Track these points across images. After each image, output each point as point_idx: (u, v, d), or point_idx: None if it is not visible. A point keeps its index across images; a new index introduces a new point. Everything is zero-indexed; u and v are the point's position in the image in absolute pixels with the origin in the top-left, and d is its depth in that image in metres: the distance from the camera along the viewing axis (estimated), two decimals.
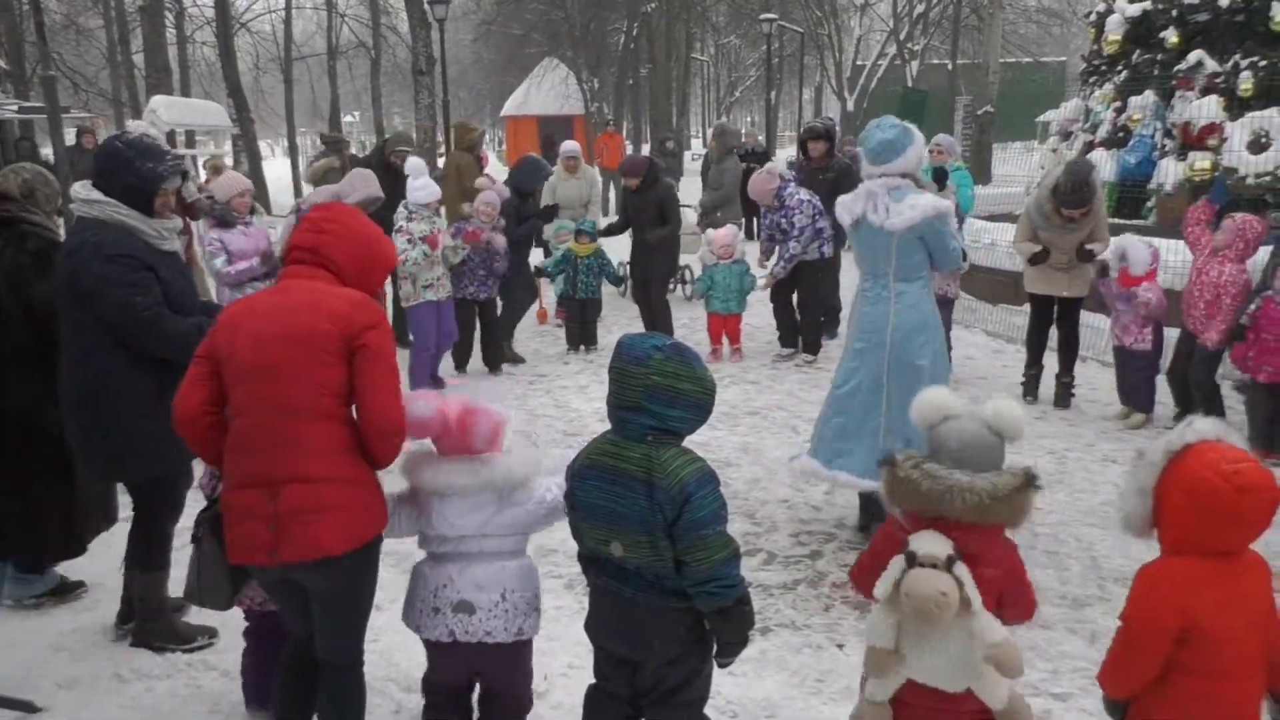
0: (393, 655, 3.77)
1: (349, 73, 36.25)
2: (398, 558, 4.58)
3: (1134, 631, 2.30)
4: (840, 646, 3.82)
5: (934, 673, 2.39)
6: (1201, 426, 2.28)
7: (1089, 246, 6.46)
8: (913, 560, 2.34)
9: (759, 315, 9.66)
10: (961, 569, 2.33)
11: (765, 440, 6.29)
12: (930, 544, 2.35)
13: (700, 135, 50.93)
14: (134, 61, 26.39)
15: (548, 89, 37.13)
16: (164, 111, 15.91)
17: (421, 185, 7.15)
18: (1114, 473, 5.59)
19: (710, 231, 8.74)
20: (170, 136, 16.39)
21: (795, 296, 8.34)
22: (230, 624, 3.91)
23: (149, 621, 3.80)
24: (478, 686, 3.10)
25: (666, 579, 2.52)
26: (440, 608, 2.85)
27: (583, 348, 8.65)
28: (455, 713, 3.08)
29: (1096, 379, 7.39)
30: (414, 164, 7.61)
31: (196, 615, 3.98)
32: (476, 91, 56.78)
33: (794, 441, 6.26)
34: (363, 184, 7.29)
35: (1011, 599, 2.47)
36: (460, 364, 7.94)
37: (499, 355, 8.07)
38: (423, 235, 7.02)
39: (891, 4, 33.51)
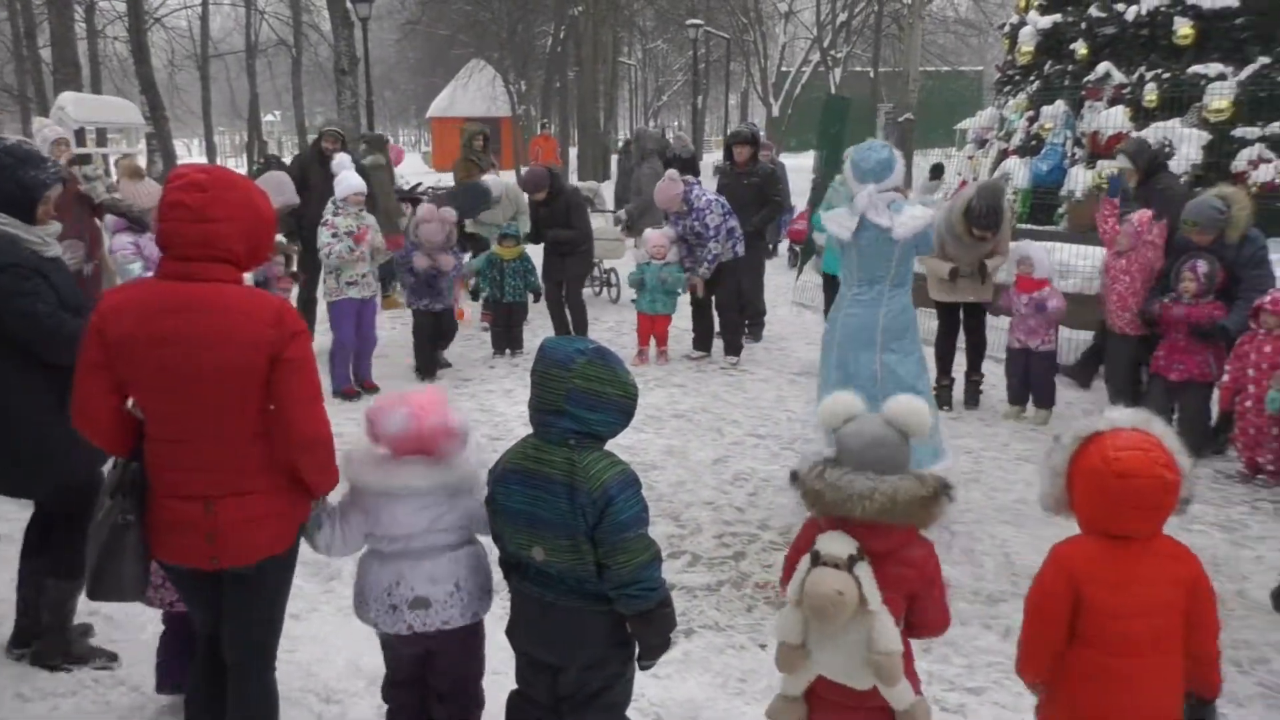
0: (311, 667, 3.70)
1: (269, 71, 35.54)
2: (316, 566, 4.50)
3: (1031, 601, 2.43)
4: (763, 646, 3.86)
5: (839, 669, 2.43)
6: (1115, 415, 2.38)
7: (988, 262, 6.67)
8: (816, 559, 2.38)
9: (687, 319, 9.73)
10: (863, 568, 2.36)
11: (690, 443, 6.33)
12: (833, 544, 2.39)
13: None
14: (40, 56, 25.48)
15: (474, 90, 36.90)
16: (72, 109, 15.35)
17: (344, 179, 7.08)
18: (1027, 471, 5.74)
19: (648, 231, 8.76)
20: (80, 135, 15.85)
21: (714, 299, 8.39)
22: (135, 642, 3.79)
23: (54, 634, 3.67)
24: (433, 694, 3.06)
25: (588, 583, 2.52)
26: (397, 605, 2.82)
27: (508, 351, 8.60)
28: (416, 717, 3.05)
29: (998, 375, 7.59)
30: (340, 159, 7.53)
31: (100, 639, 3.86)
32: (402, 92, 56.12)
33: (719, 444, 6.32)
34: (276, 189, 7.16)
35: (922, 604, 2.48)
36: (420, 370, 7.92)
37: (436, 362, 8.05)
38: (349, 230, 6.96)
39: (815, 12, 34.04)
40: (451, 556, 2.88)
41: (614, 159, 24.11)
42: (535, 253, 8.68)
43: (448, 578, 2.84)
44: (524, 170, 9.78)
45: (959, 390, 7.14)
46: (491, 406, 7.12)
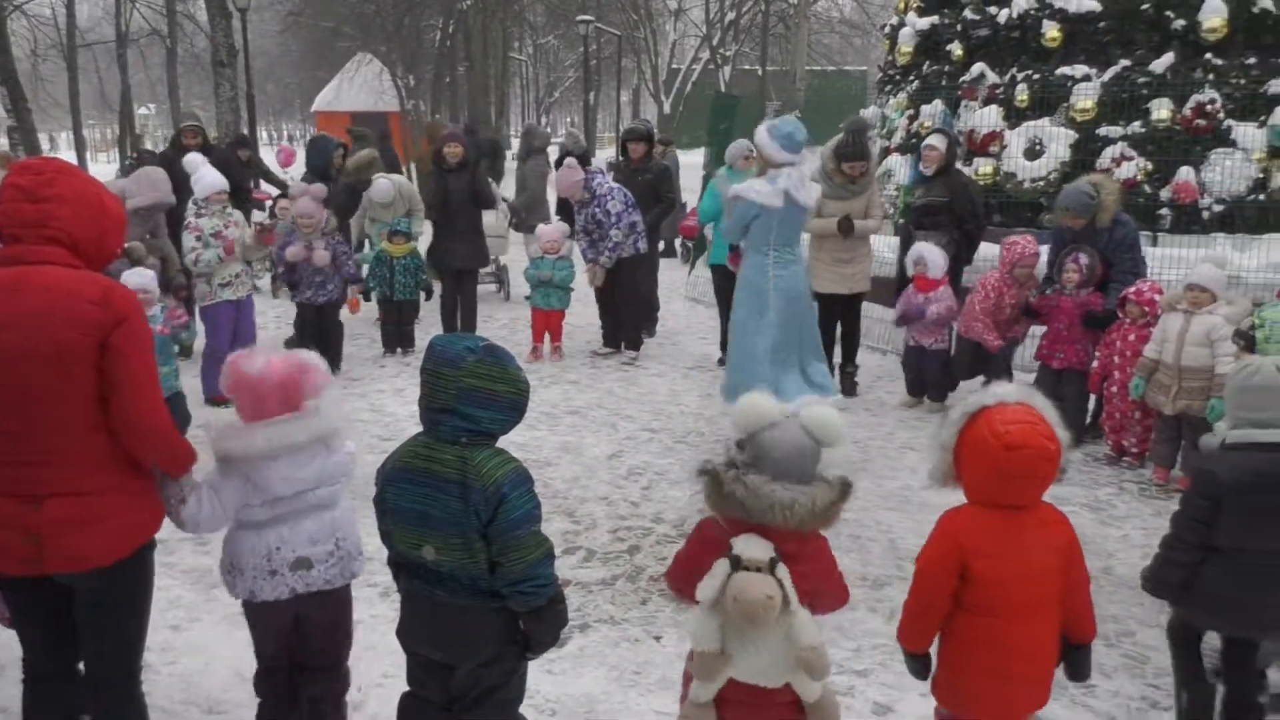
0: (193, 678, 3.57)
1: (142, 62, 34.08)
2: (197, 574, 4.36)
3: (920, 570, 2.56)
4: (657, 638, 3.89)
5: (756, 671, 2.45)
6: (1001, 390, 2.52)
7: (860, 223, 6.86)
8: (737, 564, 2.37)
9: (579, 314, 9.72)
10: (782, 570, 2.39)
11: (585, 439, 6.33)
12: (753, 548, 2.39)
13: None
14: None
15: (360, 85, 36.09)
16: None
17: (202, 178, 6.71)
18: (911, 459, 5.94)
19: (541, 226, 8.74)
20: None
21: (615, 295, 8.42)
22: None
23: None
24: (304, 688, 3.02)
25: (480, 580, 2.51)
26: (277, 569, 2.82)
27: (399, 350, 8.46)
28: (289, 711, 3.01)
29: (885, 367, 7.86)
30: (191, 159, 7.13)
31: None
32: (285, 85, 54.48)
33: (614, 439, 6.35)
34: (149, 186, 6.83)
35: (823, 591, 2.55)
36: None
37: (335, 361, 7.73)
38: (214, 231, 6.63)
39: (704, 10, 34.41)
40: (330, 516, 2.89)
41: (509, 154, 23.95)
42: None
43: (327, 537, 2.87)
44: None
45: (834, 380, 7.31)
46: (382, 406, 6.99)
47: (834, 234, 6.88)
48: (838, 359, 7.33)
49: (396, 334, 8.48)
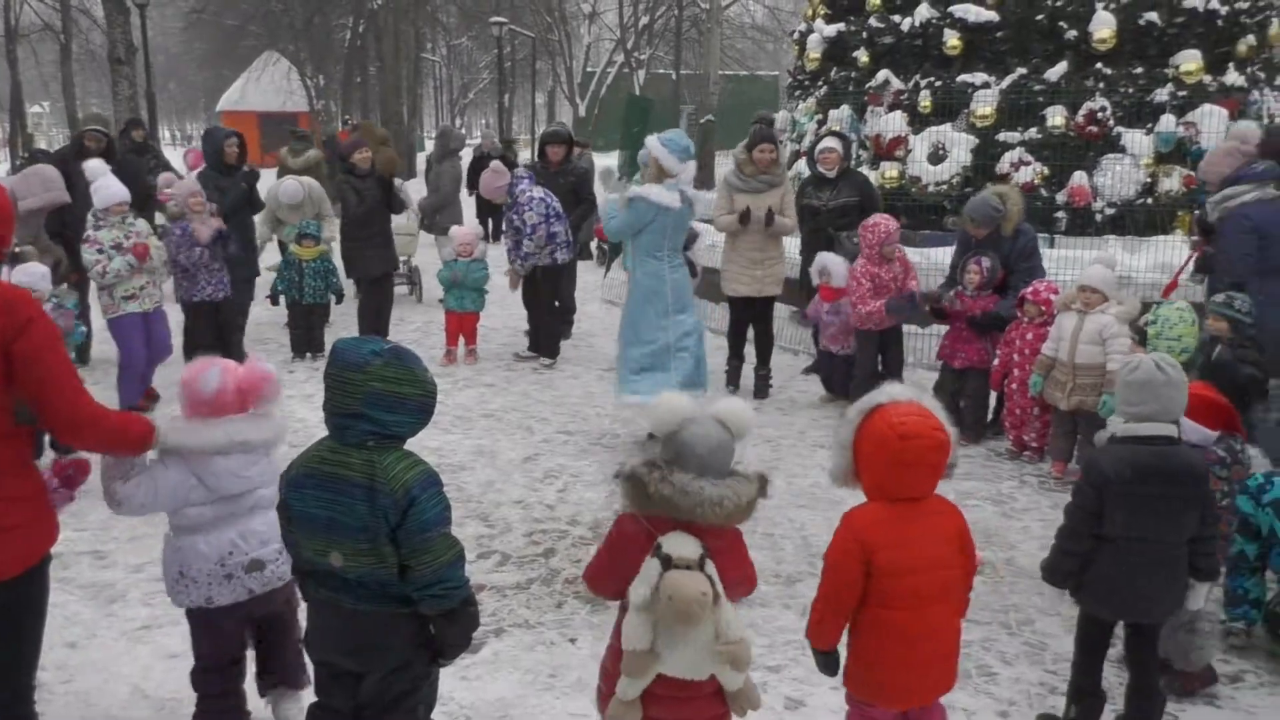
0: (91, 696, 3.45)
1: (34, 58, 32.67)
2: (95, 589, 4.22)
3: (827, 567, 2.63)
4: (572, 641, 3.90)
5: (686, 665, 2.47)
6: (893, 389, 2.63)
7: (779, 218, 6.98)
8: (668, 563, 2.39)
9: (495, 317, 9.66)
10: (711, 566, 2.42)
11: (500, 443, 6.30)
12: (682, 545, 2.41)
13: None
14: None
15: (268, 84, 35.25)
16: None
17: (101, 187, 6.36)
18: (822, 456, 6.05)
19: (454, 229, 8.65)
20: None
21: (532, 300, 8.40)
22: None
23: None
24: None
25: (390, 586, 2.48)
26: (232, 573, 2.91)
27: (308, 355, 8.28)
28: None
29: (797, 367, 7.99)
30: (91, 166, 6.82)
31: None
32: (189, 84, 52.96)
33: (529, 442, 6.33)
34: (42, 186, 6.52)
35: (742, 580, 2.61)
36: None
37: (236, 358, 7.49)
38: (114, 243, 6.27)
39: (618, 14, 34.50)
40: (273, 517, 2.84)
41: (420, 156, 23.69)
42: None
43: (275, 536, 2.89)
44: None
45: (748, 380, 7.42)
46: (291, 412, 6.83)
47: (747, 232, 6.95)
48: (751, 362, 7.43)
49: (305, 339, 8.31)
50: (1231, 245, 5.39)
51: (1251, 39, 9.77)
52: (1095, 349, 5.40)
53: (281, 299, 8.33)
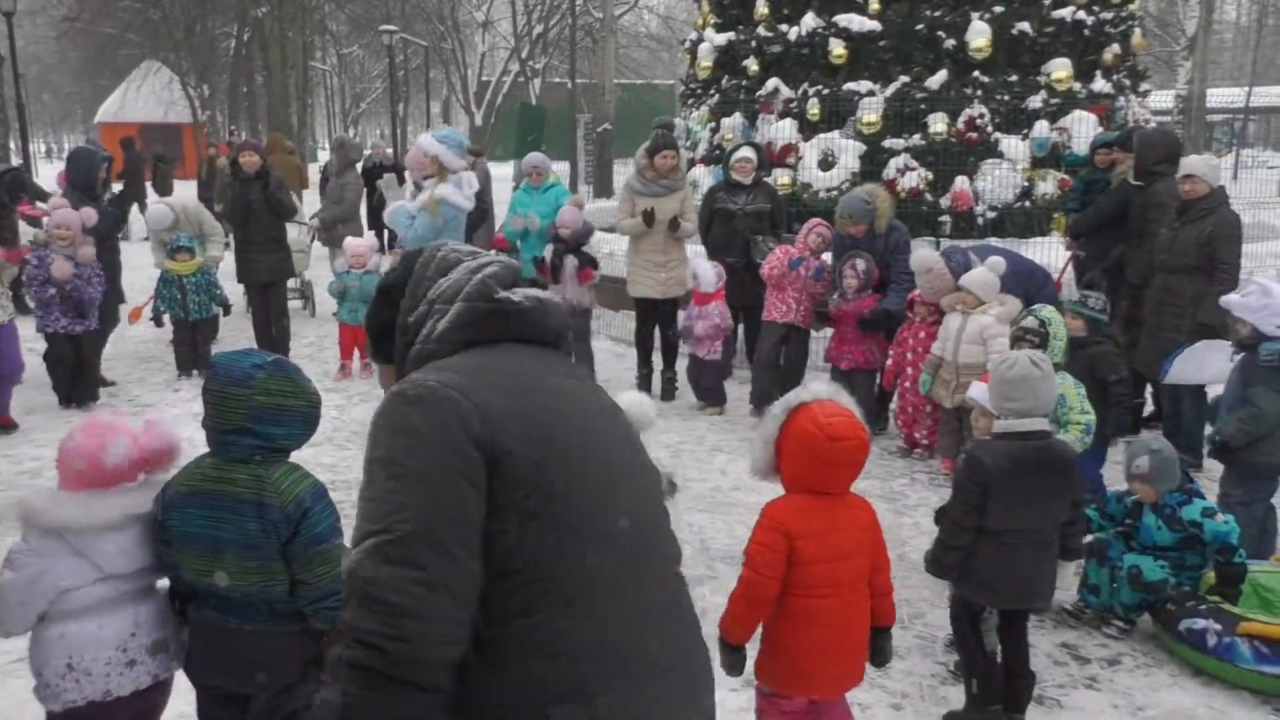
0: None
1: None
2: None
3: (751, 558, 2.68)
4: None
5: None
6: (816, 388, 2.72)
7: (683, 223, 7.11)
8: None
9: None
10: None
11: None
12: None
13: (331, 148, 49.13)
14: None
15: (149, 94, 34.01)
16: None
17: None
18: (721, 460, 6.12)
19: (348, 239, 8.48)
20: None
21: None
22: None
23: None
24: None
25: (278, 603, 2.45)
26: (136, 659, 2.53)
27: (194, 372, 8.00)
28: None
29: None
30: None
31: None
32: (64, 95, 50.78)
33: None
34: None
35: None
36: (66, 400, 7.08)
37: (92, 387, 7.21)
38: None
39: (512, 23, 34.35)
40: (164, 591, 2.67)
41: (313, 168, 23.12)
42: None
43: (170, 611, 2.64)
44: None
45: (655, 385, 7.47)
46: (180, 431, 6.59)
47: (649, 235, 7.04)
48: (657, 365, 7.47)
49: (191, 355, 8.03)
50: None
51: (1116, 48, 10.28)
52: (977, 349, 5.58)
53: (165, 317, 8.04)
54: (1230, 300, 4.42)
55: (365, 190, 15.29)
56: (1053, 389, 3.27)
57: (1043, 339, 4.66)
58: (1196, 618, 3.75)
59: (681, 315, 7.21)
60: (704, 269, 6.98)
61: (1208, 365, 4.97)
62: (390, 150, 21.69)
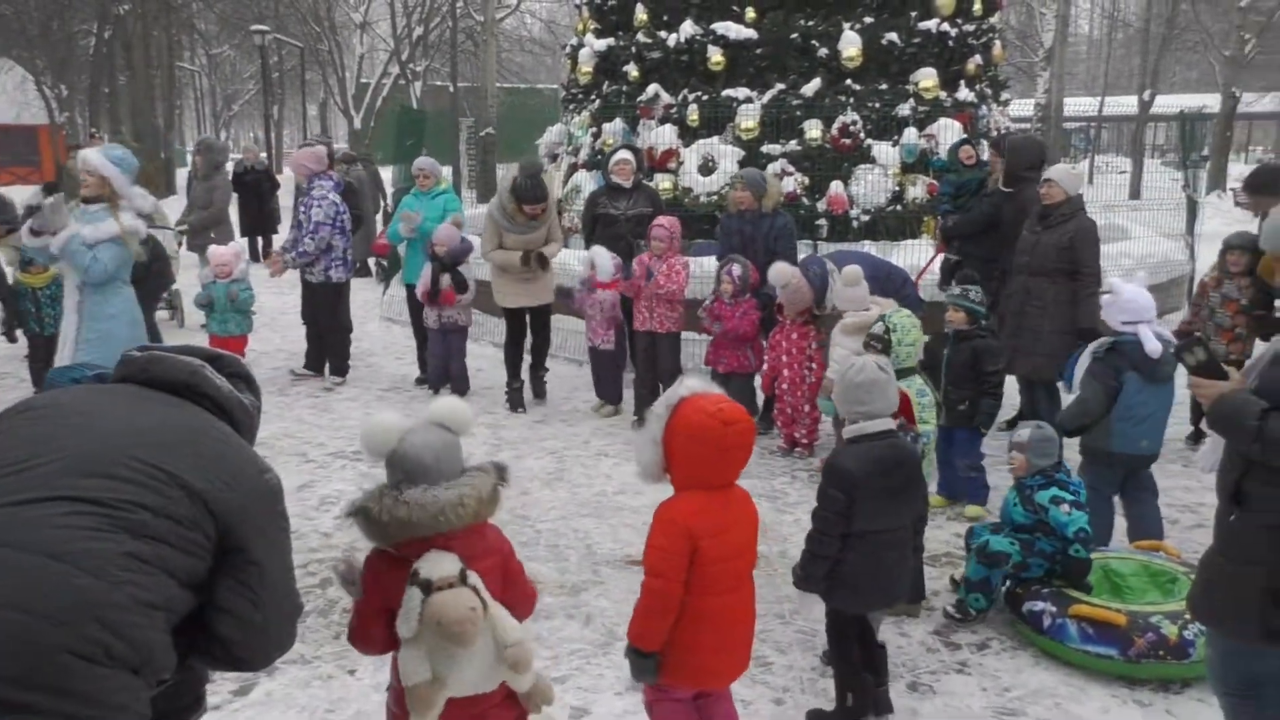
0: None
1: None
2: None
3: (653, 564, 2.66)
4: (351, 673, 3.76)
5: (471, 683, 2.41)
6: (690, 382, 2.72)
7: (546, 250, 7.11)
8: (429, 587, 2.30)
9: (266, 340, 9.22)
10: (474, 577, 2.37)
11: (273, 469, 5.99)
12: (438, 565, 2.33)
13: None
14: None
15: (0, 94, 32.14)
16: None
17: None
18: (606, 465, 6.14)
19: (213, 248, 8.17)
20: None
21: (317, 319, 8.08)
22: None
23: None
24: None
25: None
26: None
27: None
28: None
29: (582, 377, 8.02)
30: None
31: None
32: None
33: (304, 469, 6.07)
34: None
35: (511, 583, 2.55)
36: None
37: None
38: None
39: (391, 24, 33.70)
40: None
41: (181, 172, 22.23)
42: None
43: None
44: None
45: (528, 395, 7.45)
46: None
47: (515, 259, 7.04)
48: (525, 373, 7.47)
49: (46, 372, 7.59)
50: None
51: (979, 58, 10.72)
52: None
53: (19, 332, 7.61)
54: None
55: (239, 196, 14.80)
56: (895, 391, 3.40)
57: (885, 345, 4.84)
58: (1037, 600, 3.96)
59: (577, 297, 7.20)
60: (602, 258, 6.98)
61: None
62: (264, 154, 21.02)
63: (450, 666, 2.37)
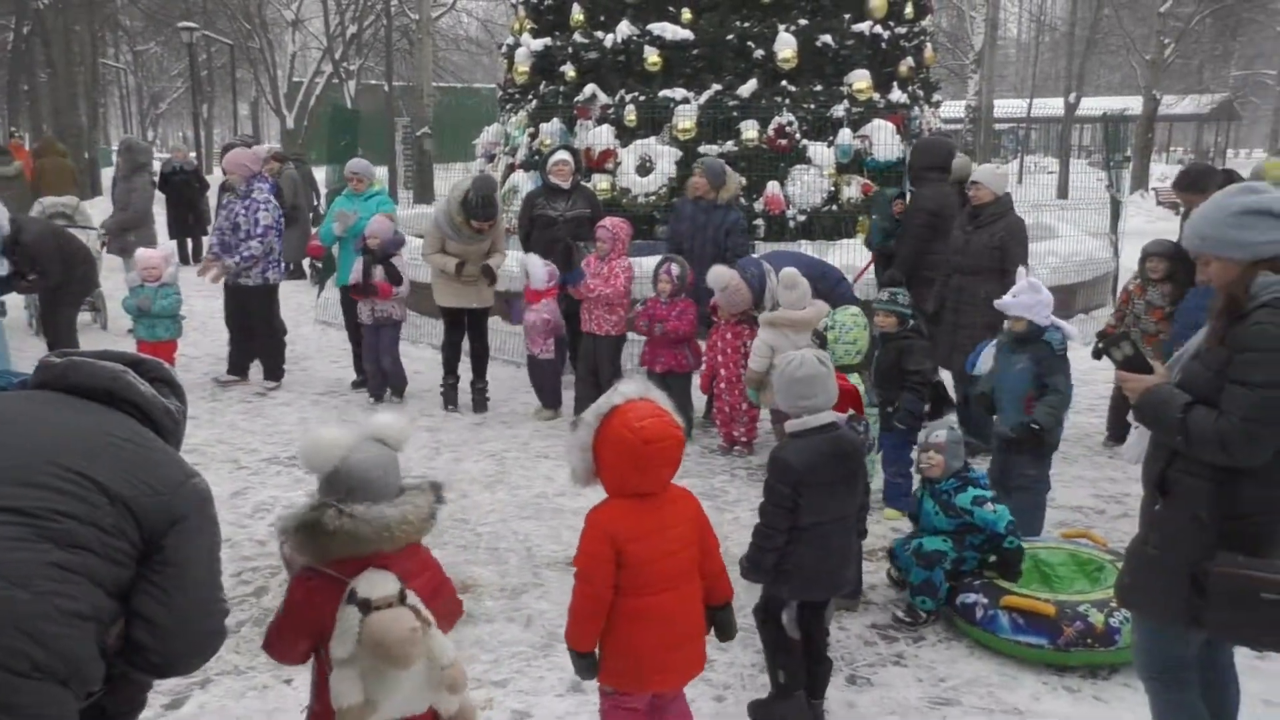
0: None
1: None
2: None
3: (581, 569, 2.70)
4: (288, 682, 3.70)
5: (402, 704, 2.37)
6: (625, 389, 2.71)
7: (491, 261, 7.09)
8: (368, 606, 2.26)
9: (196, 344, 9.02)
10: (413, 597, 2.33)
11: (205, 477, 5.85)
12: (379, 585, 2.29)
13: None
14: None
15: None
16: None
17: None
18: (546, 467, 6.11)
19: (140, 251, 7.94)
20: None
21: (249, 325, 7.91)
22: None
23: None
24: None
25: None
26: None
27: None
28: None
29: (520, 379, 7.96)
30: None
31: None
32: None
33: (237, 476, 5.95)
34: None
35: (439, 596, 2.52)
36: None
37: None
38: None
39: (324, 22, 33.18)
40: None
41: (106, 172, 21.60)
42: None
43: None
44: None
45: (465, 396, 7.38)
46: None
47: (451, 265, 7.01)
48: (466, 377, 7.39)
49: None
50: None
51: (911, 61, 10.91)
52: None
53: None
54: (1005, 301, 4.77)
55: (167, 197, 14.46)
56: (835, 383, 3.44)
57: (822, 340, 4.91)
58: (970, 592, 4.06)
59: (515, 308, 7.17)
60: (535, 266, 6.95)
61: None
62: (192, 154, 20.57)
63: (383, 689, 2.32)
